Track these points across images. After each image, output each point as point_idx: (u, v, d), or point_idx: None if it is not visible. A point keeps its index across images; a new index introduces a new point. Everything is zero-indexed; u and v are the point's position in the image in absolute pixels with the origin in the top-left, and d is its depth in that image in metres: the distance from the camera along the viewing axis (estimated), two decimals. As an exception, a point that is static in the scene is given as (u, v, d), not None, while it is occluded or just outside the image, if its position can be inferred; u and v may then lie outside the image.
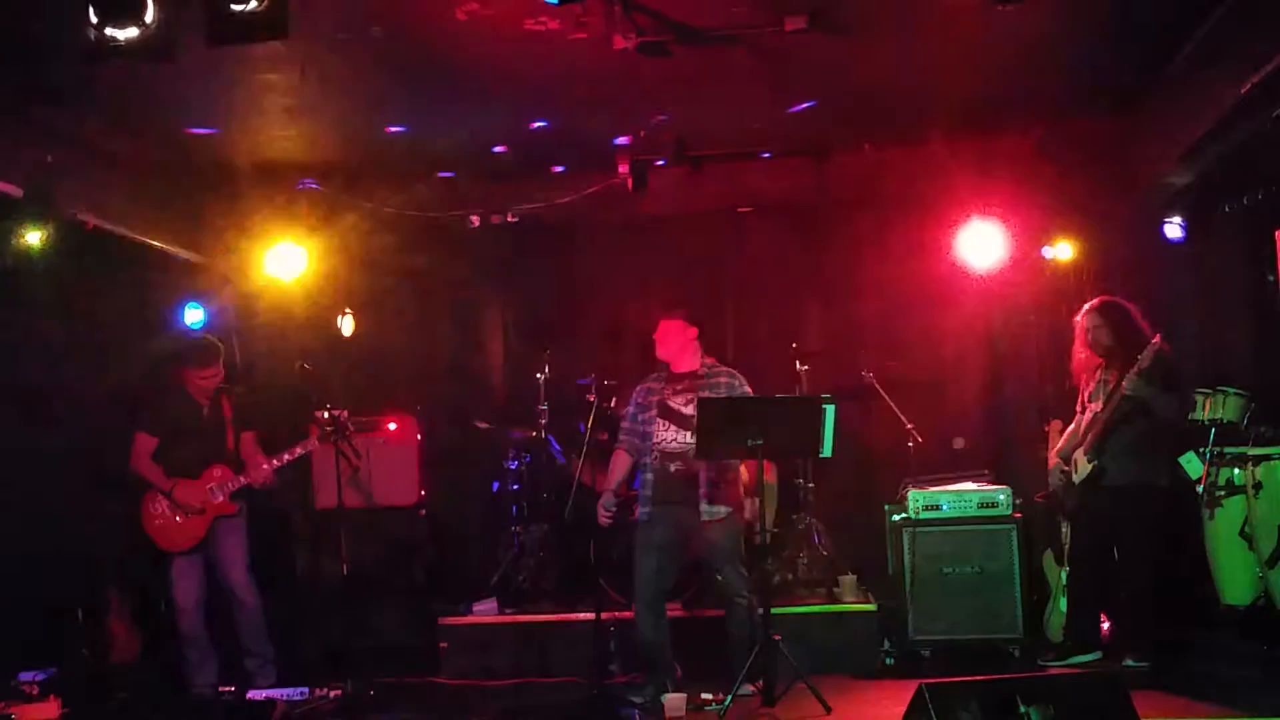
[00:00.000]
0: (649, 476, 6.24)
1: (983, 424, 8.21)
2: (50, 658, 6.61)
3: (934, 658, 6.66)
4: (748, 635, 5.97)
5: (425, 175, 8.26)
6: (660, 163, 7.96)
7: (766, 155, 8.08)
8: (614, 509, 6.33)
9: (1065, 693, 4.37)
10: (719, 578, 6.20)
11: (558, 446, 7.91)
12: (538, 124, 7.31)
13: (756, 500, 6.12)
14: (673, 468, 6.17)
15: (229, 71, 6.14)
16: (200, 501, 6.67)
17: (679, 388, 6.25)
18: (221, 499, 6.71)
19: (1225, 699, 5.49)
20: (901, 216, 8.10)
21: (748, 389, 6.30)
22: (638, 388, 6.46)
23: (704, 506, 6.11)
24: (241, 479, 6.74)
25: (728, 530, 6.14)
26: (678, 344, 6.30)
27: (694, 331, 6.30)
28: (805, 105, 7.10)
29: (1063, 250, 7.84)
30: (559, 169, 8.23)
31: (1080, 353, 6.60)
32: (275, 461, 6.80)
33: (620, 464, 6.39)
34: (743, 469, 6.30)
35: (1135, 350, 6.11)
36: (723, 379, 6.26)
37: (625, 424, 6.44)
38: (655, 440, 6.22)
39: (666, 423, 6.20)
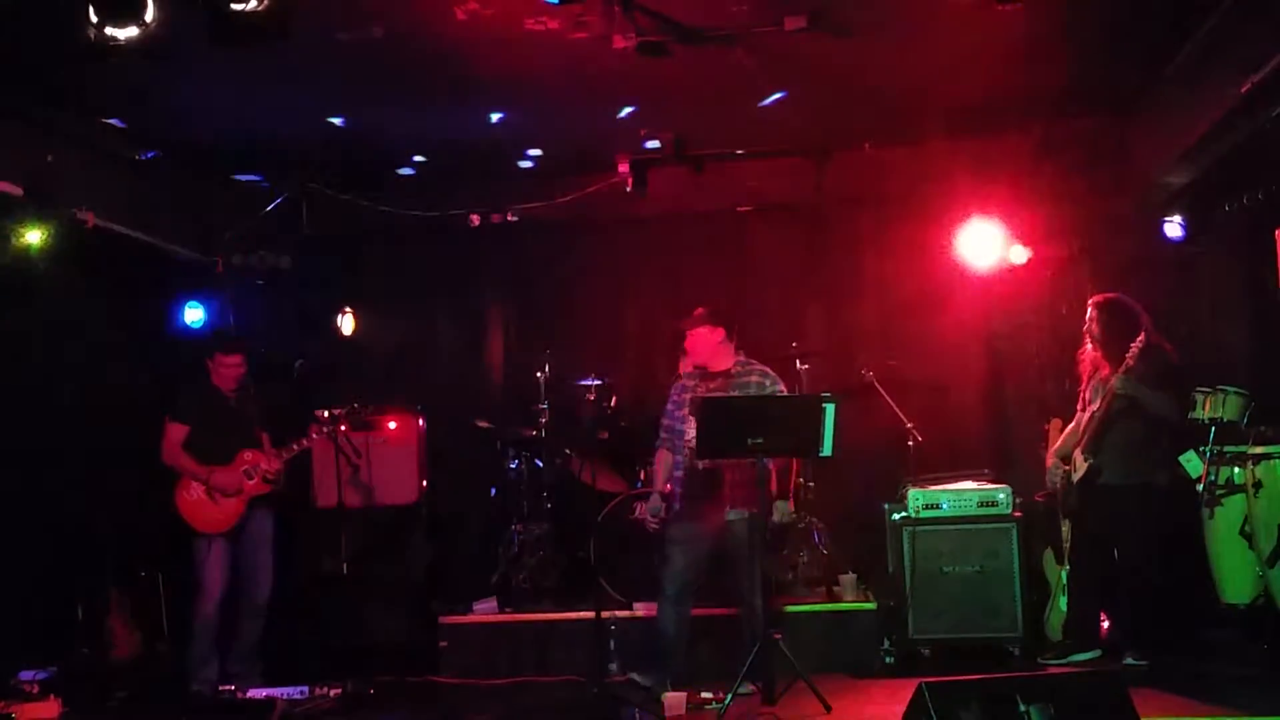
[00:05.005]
0: (679, 473, 6.32)
1: (983, 424, 8.20)
2: (50, 657, 6.62)
3: (934, 657, 6.66)
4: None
5: (425, 174, 8.27)
6: (661, 163, 7.97)
7: (766, 155, 8.09)
8: (660, 514, 6.39)
9: (1065, 691, 4.36)
10: (737, 577, 6.19)
11: (557, 447, 7.91)
12: (536, 125, 7.32)
13: (781, 503, 6.12)
14: (700, 464, 6.20)
15: (228, 70, 6.13)
16: (236, 485, 6.72)
17: (712, 386, 6.29)
18: (256, 480, 6.79)
19: (1225, 698, 5.47)
20: (901, 216, 8.09)
21: (780, 387, 6.34)
22: (675, 385, 6.52)
23: (729, 505, 6.15)
24: (270, 463, 6.82)
25: (750, 531, 6.12)
26: (709, 348, 6.33)
27: (721, 333, 6.31)
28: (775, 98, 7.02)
29: (1062, 250, 7.83)
30: (559, 169, 8.23)
31: (1085, 349, 6.62)
32: (279, 456, 6.88)
33: (663, 463, 6.48)
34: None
35: (1129, 349, 6.13)
36: (754, 377, 6.29)
37: (665, 421, 6.49)
38: (686, 437, 6.26)
39: (695, 419, 6.22)
